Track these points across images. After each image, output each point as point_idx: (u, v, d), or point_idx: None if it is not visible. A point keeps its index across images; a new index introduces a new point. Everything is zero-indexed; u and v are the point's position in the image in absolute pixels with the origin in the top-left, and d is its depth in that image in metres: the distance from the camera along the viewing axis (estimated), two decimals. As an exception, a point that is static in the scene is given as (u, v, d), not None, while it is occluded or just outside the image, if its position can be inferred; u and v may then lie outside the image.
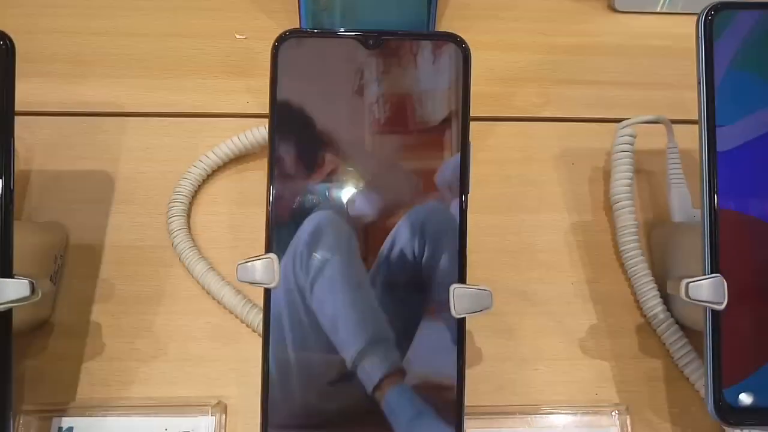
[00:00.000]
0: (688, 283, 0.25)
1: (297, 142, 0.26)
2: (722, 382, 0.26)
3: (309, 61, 0.26)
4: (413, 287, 0.25)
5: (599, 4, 0.41)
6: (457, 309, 0.25)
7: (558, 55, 0.39)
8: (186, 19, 0.39)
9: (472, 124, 0.26)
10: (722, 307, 0.25)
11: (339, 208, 0.25)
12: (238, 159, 0.35)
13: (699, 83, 0.26)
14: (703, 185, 0.26)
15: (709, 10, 0.26)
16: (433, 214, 0.25)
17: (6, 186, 0.25)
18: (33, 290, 0.25)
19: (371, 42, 0.26)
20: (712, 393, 0.26)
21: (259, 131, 0.34)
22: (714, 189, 0.26)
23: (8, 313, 0.25)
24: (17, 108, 0.26)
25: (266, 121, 0.34)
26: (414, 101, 0.26)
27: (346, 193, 0.25)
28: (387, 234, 0.25)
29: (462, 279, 0.25)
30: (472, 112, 0.26)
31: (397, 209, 0.25)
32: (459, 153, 0.25)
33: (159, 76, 0.38)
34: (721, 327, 0.26)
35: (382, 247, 0.25)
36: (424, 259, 0.25)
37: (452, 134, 0.25)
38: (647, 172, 0.36)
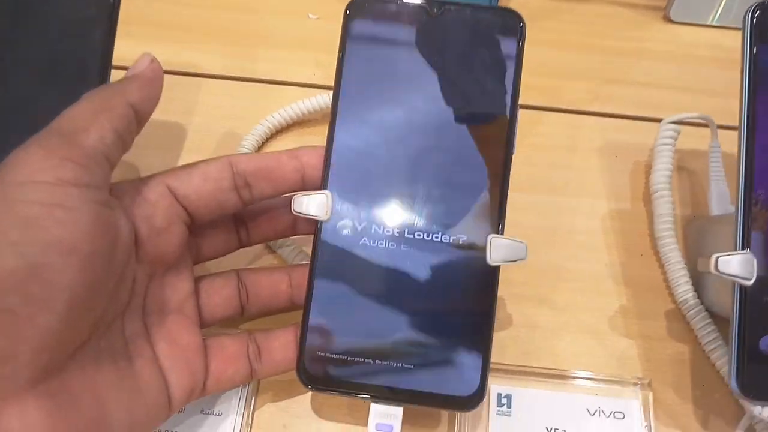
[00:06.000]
0: (718, 258, 0.26)
1: (361, 95, 0.28)
2: (747, 357, 0.26)
3: (376, 24, 0.28)
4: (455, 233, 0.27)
5: (655, 14, 0.43)
6: (492, 257, 0.26)
7: (610, 57, 0.41)
8: (265, -1, 0.43)
9: (523, 112, 0.28)
10: (750, 282, 0.26)
11: (393, 157, 0.28)
12: (300, 123, 0.38)
13: (742, 74, 0.28)
14: (739, 168, 0.27)
15: (755, 8, 0.28)
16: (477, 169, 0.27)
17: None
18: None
19: (435, 10, 0.28)
20: (735, 367, 0.27)
21: (321, 98, 0.36)
22: (751, 173, 0.27)
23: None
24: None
25: (329, 91, 0.37)
26: (471, 64, 0.28)
27: (402, 143, 0.28)
28: (436, 182, 0.27)
29: (500, 230, 0.27)
30: (523, 101, 0.28)
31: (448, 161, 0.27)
32: (509, 115, 0.27)
33: (236, 44, 0.41)
34: (747, 303, 0.27)
35: (430, 193, 0.27)
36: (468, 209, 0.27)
37: (504, 96, 0.27)
38: (689, 170, 0.37)
